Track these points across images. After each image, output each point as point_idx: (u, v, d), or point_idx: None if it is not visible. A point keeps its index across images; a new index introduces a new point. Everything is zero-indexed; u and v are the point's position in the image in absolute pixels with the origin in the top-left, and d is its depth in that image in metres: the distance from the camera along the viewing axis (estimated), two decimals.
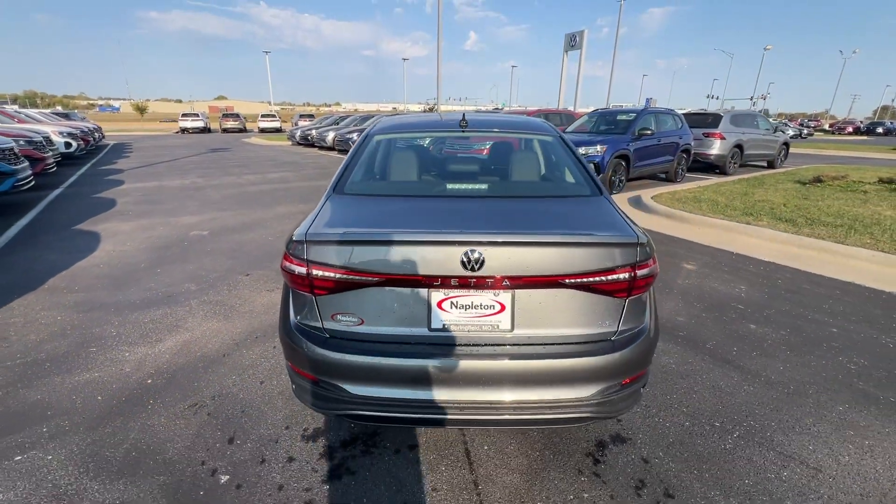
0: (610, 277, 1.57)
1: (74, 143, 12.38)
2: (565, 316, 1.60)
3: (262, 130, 32.33)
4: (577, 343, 1.61)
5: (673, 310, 3.39)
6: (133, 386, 2.37)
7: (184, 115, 32.30)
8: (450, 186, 2.16)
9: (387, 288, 1.55)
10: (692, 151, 10.12)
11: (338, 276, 1.54)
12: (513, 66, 70.56)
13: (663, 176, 9.97)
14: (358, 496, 1.71)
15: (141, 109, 62.39)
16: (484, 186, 2.19)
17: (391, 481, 1.77)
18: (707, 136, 10.65)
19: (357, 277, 1.54)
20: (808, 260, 4.59)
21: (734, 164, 11.09)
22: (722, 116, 10.85)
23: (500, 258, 1.51)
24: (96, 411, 2.17)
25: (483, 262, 1.50)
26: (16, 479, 1.75)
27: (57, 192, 8.11)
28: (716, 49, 61.06)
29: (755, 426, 2.13)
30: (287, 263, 1.62)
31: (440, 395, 1.57)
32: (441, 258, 1.51)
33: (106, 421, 2.10)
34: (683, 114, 11.23)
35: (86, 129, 15.12)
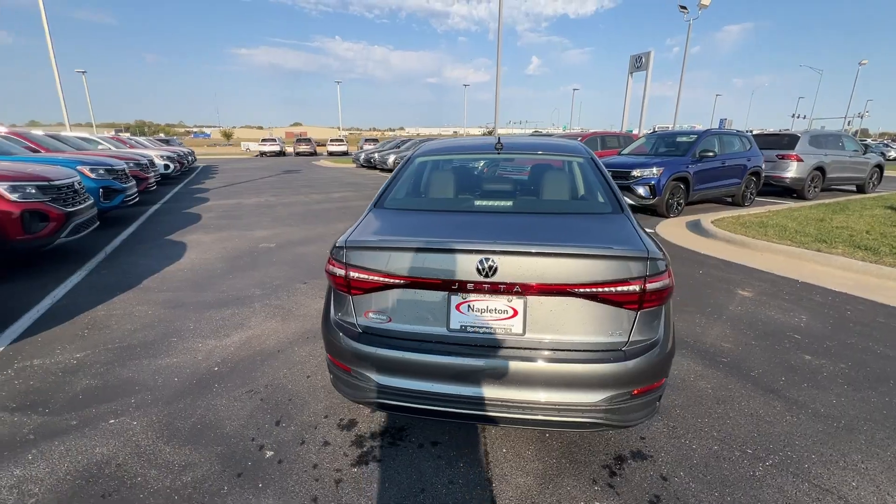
0: (619, 289, 1.65)
1: (172, 166, 14.14)
2: (576, 324, 1.70)
3: (331, 154, 34.63)
4: (587, 350, 1.69)
5: (718, 336, 3.27)
6: (202, 371, 2.74)
7: (263, 140, 35.61)
8: (478, 203, 2.34)
9: (411, 290, 1.75)
10: (762, 174, 9.51)
11: (370, 277, 1.76)
12: (574, 90, 70.11)
13: (729, 200, 9.44)
14: (381, 480, 1.88)
15: (227, 135, 69.72)
16: (509, 203, 2.34)
17: (412, 471, 1.93)
18: (781, 158, 9.98)
19: (386, 279, 1.75)
20: (887, 292, 4.19)
21: (814, 187, 10.25)
22: (799, 137, 10.13)
23: (512, 266, 1.66)
24: (172, 390, 2.54)
25: (496, 269, 1.65)
26: (108, 438, 2.12)
27: (155, 207, 9.33)
28: (802, 65, 56.90)
29: (792, 457, 2.04)
30: (330, 266, 1.87)
31: (455, 389, 1.72)
32: (458, 265, 1.68)
33: (179, 398, 2.46)
34: (756, 135, 10.63)
35: (181, 153, 17.21)
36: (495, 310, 1.72)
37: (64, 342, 3.08)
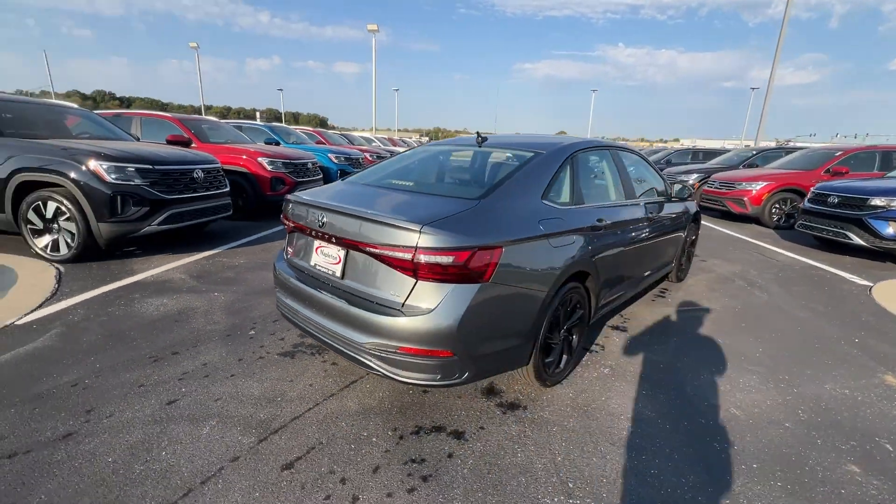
0: (394, 254, 1.95)
1: None
2: (373, 277, 2.08)
3: None
4: (372, 301, 2.06)
5: None
6: None
7: None
8: (391, 181, 2.75)
9: (300, 233, 2.48)
10: None
11: (289, 223, 2.57)
12: None
13: None
14: (279, 363, 2.71)
15: None
16: (410, 184, 2.68)
17: (292, 360, 2.67)
18: None
19: (291, 224, 2.54)
20: None
21: None
22: None
23: (333, 222, 2.17)
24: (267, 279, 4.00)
25: (325, 223, 2.21)
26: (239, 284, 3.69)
27: None
28: None
29: None
30: (281, 216, 2.78)
31: (306, 311, 2.36)
32: (313, 216, 2.31)
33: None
34: None
35: None
36: (330, 255, 2.28)
37: (245, 254, 5.09)
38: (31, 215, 4.30)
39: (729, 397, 2.58)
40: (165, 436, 2.05)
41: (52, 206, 4.25)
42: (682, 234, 4.21)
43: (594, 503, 1.78)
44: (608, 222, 2.79)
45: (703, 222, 8.85)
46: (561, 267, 2.31)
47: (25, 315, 3.22)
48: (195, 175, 5.01)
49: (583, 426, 2.26)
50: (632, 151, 3.74)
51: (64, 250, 4.36)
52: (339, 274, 2.23)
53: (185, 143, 6.60)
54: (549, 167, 2.57)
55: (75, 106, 6.02)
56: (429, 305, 1.92)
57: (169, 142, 6.52)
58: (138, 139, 6.07)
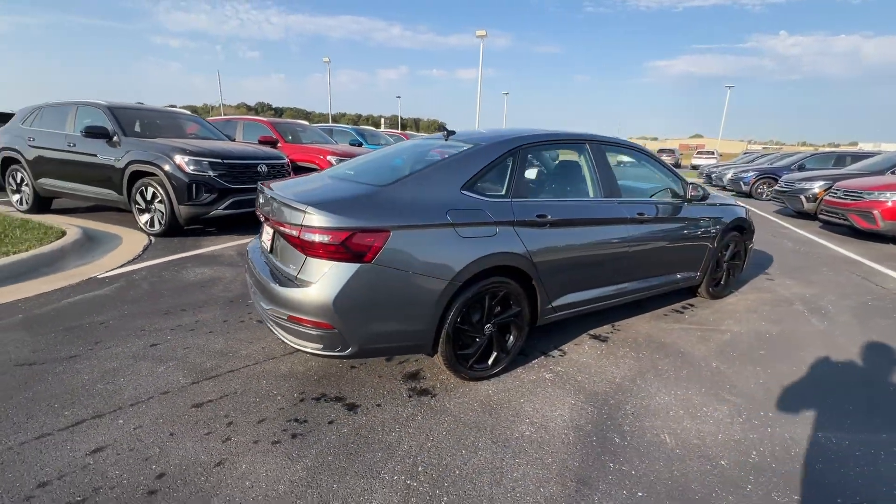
0: (286, 230, 2.18)
1: None
2: (283, 253, 2.34)
3: (693, 167, 31.39)
4: (279, 274, 2.31)
5: None
6: None
7: None
8: (347, 172, 2.92)
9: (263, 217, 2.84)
10: None
11: (257, 210, 2.95)
12: None
13: None
14: (251, 328, 3.12)
15: None
16: (353, 173, 2.81)
17: (262, 326, 3.05)
18: None
19: (257, 210, 2.90)
20: None
21: None
22: None
23: (270, 207, 2.46)
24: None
25: (264, 207, 2.52)
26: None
27: None
28: None
29: None
30: None
31: (250, 280, 2.71)
32: (263, 203, 2.63)
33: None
34: None
35: None
36: (268, 235, 2.58)
37: None
38: (138, 197, 5.49)
39: (672, 423, 2.26)
40: (132, 368, 2.56)
41: (150, 190, 5.37)
42: (709, 244, 3.67)
43: (430, 489, 1.78)
44: (557, 219, 2.64)
45: (811, 236, 7.41)
46: (471, 258, 2.29)
47: (108, 271, 4.18)
48: (259, 169, 5.85)
49: (477, 422, 2.22)
50: (631, 148, 3.41)
51: (157, 226, 5.48)
52: (269, 250, 2.53)
53: (273, 143, 7.69)
54: (481, 159, 2.53)
55: (188, 112, 7.44)
56: (311, 279, 2.10)
57: (260, 142, 7.66)
58: (232, 139, 7.25)
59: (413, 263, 2.17)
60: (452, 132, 3.05)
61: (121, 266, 4.34)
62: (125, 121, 5.75)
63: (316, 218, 2.06)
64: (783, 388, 2.62)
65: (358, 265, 2.07)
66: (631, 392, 2.53)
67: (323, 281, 2.08)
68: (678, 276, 3.60)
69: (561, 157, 3.13)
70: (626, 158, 3.44)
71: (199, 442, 1.98)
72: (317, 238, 2.05)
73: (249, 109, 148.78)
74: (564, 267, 2.73)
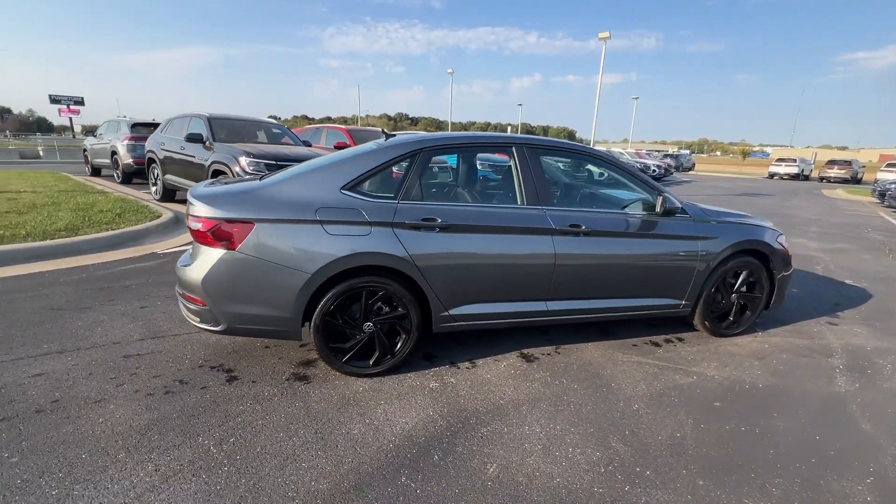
0: (187, 220, 2.53)
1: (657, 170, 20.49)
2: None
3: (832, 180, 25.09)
4: (188, 257, 2.68)
5: None
6: None
7: (778, 159, 30.81)
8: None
9: None
10: None
11: None
12: None
13: None
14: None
15: (744, 154, 65.29)
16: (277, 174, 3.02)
17: None
18: None
19: None
20: None
21: None
22: None
23: None
24: None
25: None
26: None
27: None
28: None
29: None
30: None
31: None
32: None
33: None
34: None
35: (663, 165, 22.88)
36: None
37: None
38: None
39: (515, 456, 2.04)
40: (112, 322, 3.22)
41: None
42: (698, 265, 3.08)
43: (222, 457, 1.94)
44: (450, 224, 2.55)
45: None
46: (337, 255, 2.37)
47: (169, 248, 5.21)
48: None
49: (320, 413, 2.29)
50: (583, 153, 3.06)
51: None
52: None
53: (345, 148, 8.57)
54: (371, 161, 2.59)
55: (272, 121, 8.70)
56: (194, 261, 2.43)
57: (336, 147, 8.58)
58: (309, 145, 8.26)
59: (276, 254, 2.36)
60: (392, 135, 3.13)
61: (181, 245, 5.36)
62: (217, 129, 7.03)
63: (196, 208, 2.39)
64: (699, 451, 2.13)
65: (224, 251, 2.34)
66: (504, 417, 2.33)
67: (198, 262, 2.39)
68: (649, 302, 3.10)
69: (476, 162, 2.97)
70: (563, 164, 3.10)
71: (101, 383, 2.46)
72: (194, 226, 2.38)
73: (390, 119, 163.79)
74: (462, 275, 2.62)
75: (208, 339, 3.02)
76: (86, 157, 13.07)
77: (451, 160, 3.08)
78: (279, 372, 2.66)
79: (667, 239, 3.01)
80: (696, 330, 3.44)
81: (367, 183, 2.57)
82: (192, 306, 2.47)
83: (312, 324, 2.46)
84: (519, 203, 2.77)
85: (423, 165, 2.66)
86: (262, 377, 2.59)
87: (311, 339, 2.53)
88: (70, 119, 32.22)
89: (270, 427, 2.16)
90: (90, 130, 28.27)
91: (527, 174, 2.81)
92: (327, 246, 2.39)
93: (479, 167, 3.24)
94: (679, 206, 3.01)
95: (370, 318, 2.56)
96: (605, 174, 3.40)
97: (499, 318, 2.81)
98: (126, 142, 10.18)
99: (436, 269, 2.55)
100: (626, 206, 3.11)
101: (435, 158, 2.82)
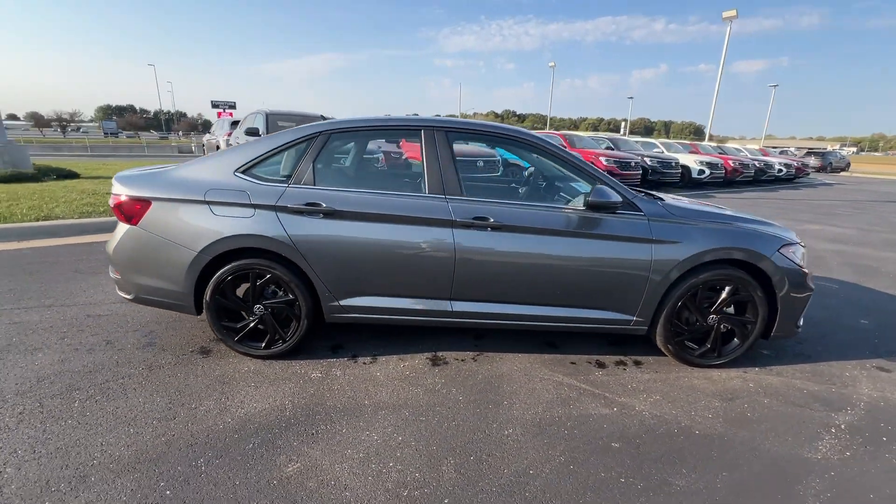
0: None
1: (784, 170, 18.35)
2: None
3: None
4: None
5: None
6: None
7: None
8: None
9: None
10: None
11: None
12: None
13: None
14: None
15: None
16: None
17: None
18: None
19: None
20: None
21: None
22: None
23: None
24: None
25: None
26: None
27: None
28: None
29: None
30: None
31: None
32: None
33: None
34: None
35: (794, 164, 20.25)
36: None
37: None
38: None
39: (340, 465, 1.89)
40: (105, 286, 3.74)
41: None
42: (653, 276, 2.51)
43: (57, 404, 2.13)
44: (334, 210, 2.44)
45: None
46: (220, 235, 2.43)
47: None
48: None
49: (181, 383, 2.37)
50: (507, 138, 2.68)
51: None
52: None
53: None
54: (266, 145, 2.59)
55: (324, 115, 9.22)
56: (115, 240, 2.68)
57: None
58: None
59: (169, 232, 2.50)
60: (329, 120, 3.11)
61: None
62: (272, 123, 7.72)
63: (113, 188, 2.63)
64: (539, 496, 1.74)
65: (129, 227, 2.55)
66: (355, 418, 2.16)
67: (113, 236, 2.64)
68: (589, 314, 2.61)
69: (379, 146, 2.76)
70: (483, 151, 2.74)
71: (52, 335, 2.86)
72: (111, 202, 2.63)
73: (497, 116, 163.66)
74: (350, 264, 2.50)
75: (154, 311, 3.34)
76: (203, 150, 15.45)
77: (352, 145, 2.94)
78: (192, 344, 2.82)
79: (604, 240, 2.51)
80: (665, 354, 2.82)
81: (260, 166, 2.58)
82: (112, 275, 2.75)
83: (205, 301, 2.56)
84: (422, 192, 2.55)
85: (318, 150, 2.58)
86: (173, 346, 2.78)
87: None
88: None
89: (138, 392, 2.31)
90: (207, 128, 33.22)
91: (432, 160, 2.56)
92: (213, 226, 2.47)
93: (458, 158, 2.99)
94: (618, 200, 2.47)
95: (260, 301, 2.58)
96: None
97: (398, 315, 2.62)
98: (225, 137, 11.73)
99: (320, 256, 2.48)
100: (570, 202, 2.67)
101: (350, 144, 2.74)
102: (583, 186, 2.78)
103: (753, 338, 2.67)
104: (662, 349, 2.74)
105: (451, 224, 2.48)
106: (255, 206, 2.48)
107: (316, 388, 2.41)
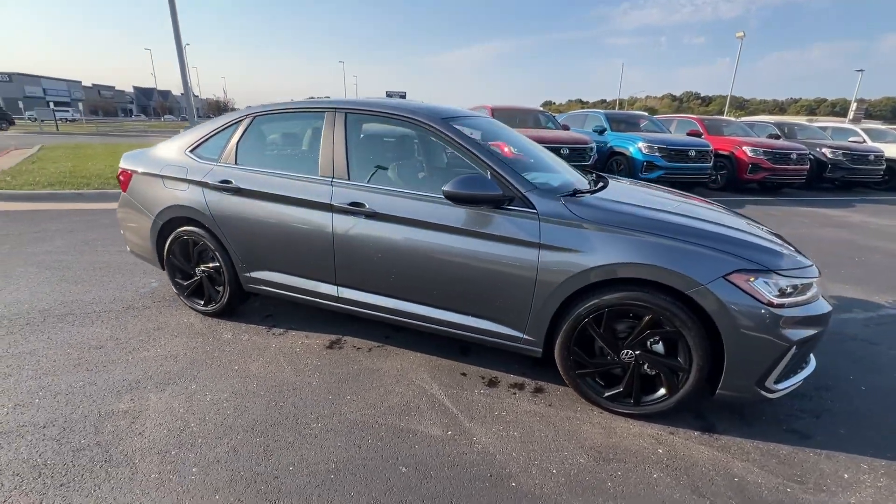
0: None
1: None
2: None
3: None
4: None
5: None
6: None
7: None
8: None
9: None
10: None
11: None
12: None
13: None
14: None
15: None
16: None
17: None
18: None
19: None
20: None
21: None
22: None
23: None
24: None
25: None
26: None
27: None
28: None
29: None
30: None
31: None
32: None
33: None
34: None
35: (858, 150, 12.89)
36: None
37: None
38: None
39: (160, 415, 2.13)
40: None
41: None
42: (537, 286, 2.04)
43: None
44: (238, 187, 2.64)
45: None
46: (165, 204, 2.87)
47: None
48: (561, 152, 7.63)
49: (118, 329, 2.90)
50: (401, 117, 2.42)
51: None
52: None
53: (698, 135, 9.38)
54: (209, 126, 2.90)
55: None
56: None
57: (689, 134, 9.41)
58: (567, 128, 9.49)
59: (140, 198, 3.04)
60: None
61: None
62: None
63: (120, 162, 3.30)
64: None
65: (123, 193, 3.18)
66: (214, 377, 2.36)
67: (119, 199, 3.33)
68: (478, 324, 2.26)
69: (296, 129, 2.77)
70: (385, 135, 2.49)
71: (70, 283, 3.78)
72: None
73: (674, 100, 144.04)
74: (251, 239, 2.68)
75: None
76: None
77: (274, 126, 3.02)
78: (166, 303, 3.39)
79: (478, 238, 2.12)
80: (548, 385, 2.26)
81: (203, 146, 2.92)
82: (121, 232, 3.47)
83: (165, 258, 3.06)
84: (316, 174, 2.54)
85: (242, 131, 2.79)
86: (159, 294, 3.40)
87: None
88: None
89: (81, 333, 2.91)
90: None
91: (327, 142, 2.52)
92: (163, 196, 2.92)
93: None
94: (497, 193, 2.04)
95: (199, 265, 2.97)
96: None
97: (293, 292, 2.71)
98: None
99: (231, 230, 2.71)
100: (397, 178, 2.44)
101: (275, 126, 2.94)
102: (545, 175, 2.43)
103: (686, 390, 1.95)
104: (565, 380, 2.22)
105: (330, 208, 2.43)
106: (189, 182, 2.84)
107: (213, 347, 2.67)
